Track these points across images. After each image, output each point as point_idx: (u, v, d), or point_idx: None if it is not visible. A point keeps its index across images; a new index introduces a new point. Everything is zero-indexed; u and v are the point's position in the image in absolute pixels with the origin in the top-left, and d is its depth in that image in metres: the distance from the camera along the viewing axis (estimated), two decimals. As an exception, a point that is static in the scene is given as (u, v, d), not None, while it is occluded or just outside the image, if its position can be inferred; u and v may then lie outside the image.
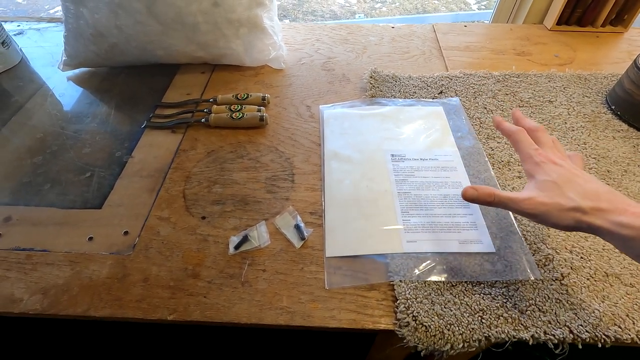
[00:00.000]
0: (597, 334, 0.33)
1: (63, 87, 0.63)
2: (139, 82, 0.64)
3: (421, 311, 0.34)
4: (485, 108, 0.55)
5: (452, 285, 0.36)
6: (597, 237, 0.40)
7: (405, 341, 0.34)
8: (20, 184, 0.48)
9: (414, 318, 0.34)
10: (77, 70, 0.65)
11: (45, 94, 0.62)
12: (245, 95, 0.57)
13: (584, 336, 0.33)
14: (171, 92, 0.61)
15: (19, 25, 0.78)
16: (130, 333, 0.84)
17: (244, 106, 0.55)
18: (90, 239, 0.42)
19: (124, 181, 0.48)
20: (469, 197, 0.34)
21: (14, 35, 0.75)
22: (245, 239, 0.41)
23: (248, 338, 0.87)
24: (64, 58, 0.62)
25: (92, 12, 0.54)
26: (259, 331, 0.86)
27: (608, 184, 0.45)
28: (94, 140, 0.54)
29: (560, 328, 0.33)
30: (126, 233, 0.42)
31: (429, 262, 0.38)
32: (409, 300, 0.35)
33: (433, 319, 0.34)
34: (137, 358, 0.83)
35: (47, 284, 0.38)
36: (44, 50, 0.71)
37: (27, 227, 0.43)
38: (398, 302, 0.35)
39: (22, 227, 0.43)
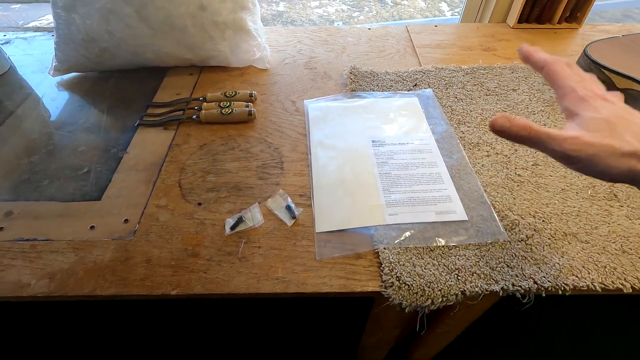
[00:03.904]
0: (557, 283, 0.37)
1: (54, 92, 0.65)
2: (129, 85, 0.66)
3: (404, 272, 0.38)
4: (456, 97, 0.60)
5: (431, 250, 0.40)
6: (558, 202, 0.45)
7: (390, 300, 0.37)
8: (19, 182, 0.50)
9: (397, 278, 0.38)
10: (67, 76, 0.67)
11: (36, 98, 0.64)
12: (233, 93, 0.60)
13: (546, 285, 0.37)
14: (161, 93, 0.64)
15: (5, 35, 0.79)
16: (135, 319, 0.87)
17: (232, 102, 0.58)
18: (92, 227, 0.44)
19: (120, 175, 0.50)
20: (498, 127, 0.28)
21: (1, 44, 0.76)
22: (240, 220, 0.44)
23: (247, 322, 0.89)
24: (54, 64, 0.65)
25: (83, 18, 0.57)
26: (255, 312, 0.89)
27: (566, 159, 0.50)
28: (89, 139, 0.56)
29: (526, 280, 0.38)
30: (126, 221, 0.45)
31: (409, 231, 0.42)
32: (392, 264, 0.39)
33: (415, 279, 0.38)
34: (143, 341, 0.85)
35: (53, 269, 0.40)
36: (33, 58, 0.73)
37: (29, 220, 0.45)
38: (383, 266, 0.39)
39: (23, 220, 0.45)
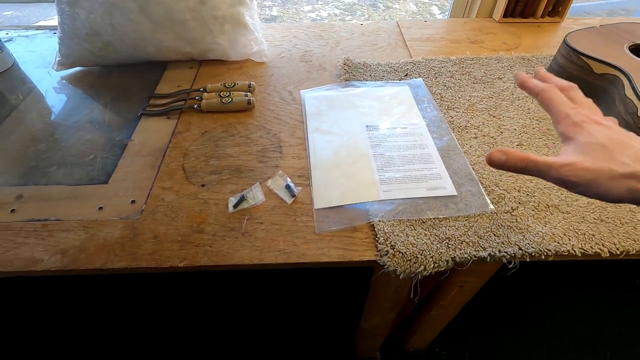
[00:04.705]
0: (540, 249, 0.40)
1: (58, 85, 0.67)
2: (131, 78, 0.68)
3: (398, 241, 0.40)
4: (445, 85, 0.63)
5: (423, 222, 0.43)
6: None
7: (386, 267, 0.40)
8: (28, 168, 0.51)
9: (392, 247, 0.40)
10: (70, 70, 0.69)
11: (40, 92, 0.66)
12: (233, 84, 0.63)
13: (530, 251, 0.40)
14: (162, 85, 0.66)
15: (7, 33, 0.81)
16: (143, 295, 0.94)
17: (232, 92, 0.61)
18: (100, 208, 0.46)
19: (126, 160, 0.52)
20: (495, 162, 0.30)
21: (4, 41, 0.78)
22: (242, 199, 0.46)
23: (248, 308, 0.91)
24: (58, 58, 0.67)
25: (87, 12, 0.59)
26: (256, 301, 0.92)
27: (548, 140, 0.53)
28: (94, 128, 0.58)
29: (512, 247, 0.40)
30: (133, 202, 0.47)
31: (402, 205, 0.45)
32: (387, 234, 0.41)
33: (408, 247, 0.40)
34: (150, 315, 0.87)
35: (65, 245, 0.42)
36: (35, 54, 0.75)
37: (39, 202, 0.47)
38: (378, 236, 0.41)
39: (34, 202, 0.47)
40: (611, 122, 0.29)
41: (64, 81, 0.68)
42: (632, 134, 0.28)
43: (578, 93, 0.32)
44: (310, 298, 0.96)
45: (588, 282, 1.02)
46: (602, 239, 0.41)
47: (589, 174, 0.26)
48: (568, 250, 0.40)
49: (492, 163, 0.30)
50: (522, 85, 0.34)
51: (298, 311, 0.94)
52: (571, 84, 0.32)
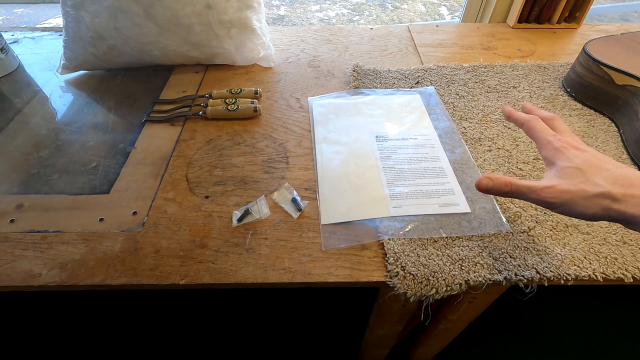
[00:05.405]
0: (559, 273, 0.38)
1: (62, 89, 0.66)
2: (135, 83, 0.67)
3: (408, 262, 0.39)
4: (458, 94, 0.61)
5: (435, 241, 0.41)
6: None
7: (395, 289, 0.38)
8: (29, 176, 0.50)
9: (402, 268, 0.38)
10: (75, 74, 0.68)
11: (45, 96, 0.65)
12: (239, 90, 0.61)
13: (549, 275, 0.38)
14: (167, 91, 0.65)
15: (13, 35, 0.80)
16: (142, 311, 0.91)
17: (238, 99, 0.59)
18: (101, 219, 0.45)
19: (129, 169, 0.51)
20: (483, 188, 0.33)
21: (10, 43, 0.77)
22: (247, 212, 0.45)
23: (251, 318, 0.90)
24: (62, 62, 0.66)
25: (92, 15, 0.58)
26: (260, 310, 0.90)
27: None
28: (97, 134, 0.57)
29: (529, 270, 0.38)
30: (135, 213, 0.45)
31: (413, 223, 0.43)
32: (397, 254, 0.39)
33: (419, 269, 0.38)
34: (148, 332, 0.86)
35: (64, 259, 0.41)
36: (41, 57, 0.74)
37: (39, 212, 0.46)
38: (388, 256, 0.39)
39: (34, 212, 0.46)
40: (589, 147, 0.32)
41: (68, 85, 0.67)
42: (607, 158, 0.31)
43: (560, 123, 0.35)
44: (314, 307, 0.95)
45: (600, 298, 0.99)
46: (625, 263, 0.39)
47: (567, 195, 0.29)
48: (589, 275, 0.38)
49: (480, 188, 0.33)
50: (509, 117, 0.37)
51: (302, 320, 0.93)
52: (554, 115, 0.35)
